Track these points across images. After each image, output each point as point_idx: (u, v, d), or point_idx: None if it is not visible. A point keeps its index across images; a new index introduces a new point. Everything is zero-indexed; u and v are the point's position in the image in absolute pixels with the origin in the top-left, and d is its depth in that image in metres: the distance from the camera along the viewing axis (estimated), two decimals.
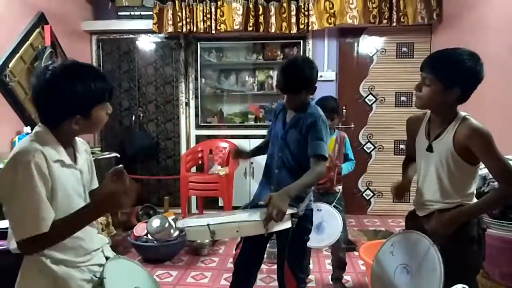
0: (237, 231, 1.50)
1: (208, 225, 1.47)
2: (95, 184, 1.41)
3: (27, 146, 1.14)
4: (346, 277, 2.86)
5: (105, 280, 1.23)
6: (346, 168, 2.73)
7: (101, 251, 1.35)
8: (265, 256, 3.07)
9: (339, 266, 2.74)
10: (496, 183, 2.04)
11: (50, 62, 3.42)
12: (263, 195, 1.84)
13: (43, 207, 1.11)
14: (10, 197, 1.12)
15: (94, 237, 1.33)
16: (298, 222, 1.69)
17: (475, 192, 1.55)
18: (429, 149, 1.56)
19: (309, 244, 2.36)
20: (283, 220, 1.54)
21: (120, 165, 1.33)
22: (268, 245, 2.10)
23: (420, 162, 1.63)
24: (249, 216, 1.61)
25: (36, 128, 1.21)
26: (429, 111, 1.60)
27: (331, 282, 2.79)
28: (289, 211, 1.59)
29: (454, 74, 1.43)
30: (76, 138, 1.32)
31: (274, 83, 4.56)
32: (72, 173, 1.24)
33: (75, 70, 1.22)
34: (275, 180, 1.88)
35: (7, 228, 2.43)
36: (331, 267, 2.86)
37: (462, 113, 1.51)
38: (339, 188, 2.75)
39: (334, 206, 2.58)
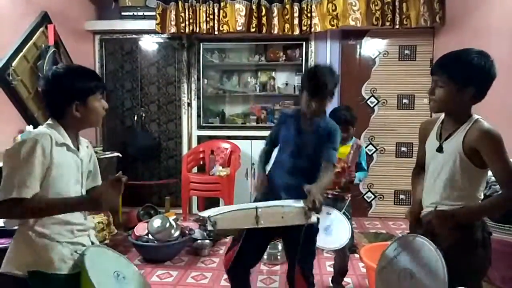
0: (282, 217, 1.55)
1: (256, 208, 1.45)
2: (99, 181, 1.57)
3: (38, 130, 1.35)
4: (347, 279, 2.85)
5: (85, 257, 1.33)
6: (359, 177, 2.71)
7: (88, 235, 1.46)
8: (265, 257, 3.12)
9: (340, 272, 2.74)
10: (498, 186, 2.04)
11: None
12: (271, 195, 1.95)
13: (31, 179, 1.25)
14: (7, 163, 1.27)
15: (80, 217, 1.43)
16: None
17: (481, 197, 1.52)
18: (439, 149, 1.54)
19: (317, 244, 2.37)
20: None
21: (123, 177, 1.37)
22: (268, 246, 2.11)
23: (429, 164, 1.61)
24: (290, 203, 1.64)
25: (47, 121, 1.41)
26: (443, 115, 1.58)
27: (331, 284, 2.79)
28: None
29: (467, 73, 1.43)
30: (81, 137, 1.49)
31: (277, 85, 4.57)
32: (73, 158, 1.40)
33: (74, 68, 1.51)
34: (284, 184, 1.97)
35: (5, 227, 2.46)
36: (331, 269, 2.86)
37: (475, 116, 1.49)
38: (348, 195, 2.75)
39: (343, 213, 2.59)
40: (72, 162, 1.39)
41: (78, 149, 1.44)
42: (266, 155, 2.18)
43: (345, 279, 2.80)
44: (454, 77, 1.44)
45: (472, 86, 1.43)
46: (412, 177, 1.82)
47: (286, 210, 1.55)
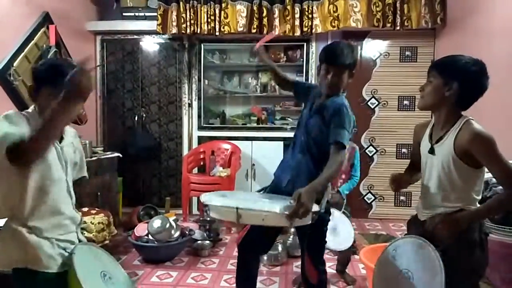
0: (263, 219, 1.51)
1: (237, 208, 1.50)
2: (84, 173, 1.59)
3: (13, 111, 1.32)
4: None
5: (74, 256, 1.32)
6: (346, 188, 2.82)
7: (75, 231, 1.44)
8: (265, 258, 3.12)
9: (345, 263, 2.87)
10: (498, 187, 2.04)
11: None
12: (284, 177, 1.94)
13: (15, 129, 1.22)
14: None
15: (69, 206, 1.42)
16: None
17: (479, 198, 1.52)
18: (431, 151, 1.56)
19: (328, 246, 2.41)
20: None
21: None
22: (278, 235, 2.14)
23: (424, 166, 1.62)
24: (275, 206, 1.58)
25: (26, 110, 1.38)
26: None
27: (331, 286, 2.80)
28: (313, 209, 1.60)
29: (453, 68, 1.48)
30: (68, 128, 1.49)
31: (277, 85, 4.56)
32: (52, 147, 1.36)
33: (66, 60, 1.52)
34: (296, 164, 1.91)
35: None
36: (331, 271, 2.89)
37: (465, 117, 1.50)
38: (344, 195, 2.87)
39: (343, 212, 2.70)
40: (53, 152, 1.36)
41: (61, 137, 1.42)
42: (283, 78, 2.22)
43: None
44: (442, 71, 1.49)
45: (457, 82, 1.46)
46: (404, 173, 1.84)
47: (266, 214, 1.53)
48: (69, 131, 1.51)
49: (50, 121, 1.16)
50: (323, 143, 1.80)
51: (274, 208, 1.55)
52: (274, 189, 2.01)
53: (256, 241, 1.99)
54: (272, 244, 2.13)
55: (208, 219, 4.09)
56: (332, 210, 2.54)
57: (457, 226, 1.46)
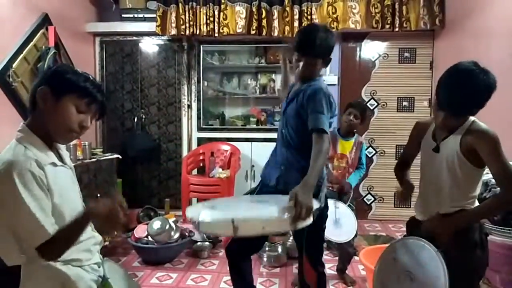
0: (263, 228, 1.38)
1: (232, 220, 1.34)
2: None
3: (19, 156, 1.12)
4: None
5: (110, 280, 1.28)
6: (355, 180, 2.80)
7: (98, 251, 1.37)
8: (265, 259, 3.12)
9: (347, 258, 2.86)
10: (498, 189, 2.04)
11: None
12: (272, 175, 1.86)
13: (44, 214, 1.11)
14: (13, 210, 1.07)
15: (90, 234, 1.34)
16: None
17: (477, 196, 1.54)
18: (436, 149, 1.56)
19: (327, 236, 2.41)
20: None
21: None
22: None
23: (425, 164, 1.62)
24: (273, 211, 1.47)
25: (18, 134, 1.20)
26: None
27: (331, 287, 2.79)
28: (315, 206, 1.53)
29: (465, 106, 1.43)
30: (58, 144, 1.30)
31: (276, 87, 4.57)
32: (65, 171, 1.25)
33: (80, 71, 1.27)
34: (282, 159, 1.82)
35: None
36: (331, 272, 2.88)
37: (471, 117, 1.51)
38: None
39: (349, 205, 2.71)
40: (65, 176, 1.25)
41: (60, 156, 1.26)
42: None
43: None
44: (455, 113, 1.45)
45: (476, 109, 1.44)
46: (395, 171, 1.84)
47: (267, 221, 1.39)
48: (61, 146, 1.33)
49: (75, 233, 1.14)
50: (302, 131, 1.70)
51: (273, 213, 1.45)
52: (263, 189, 1.91)
53: (245, 245, 1.88)
54: (263, 243, 2.00)
55: None
56: (337, 203, 2.62)
57: (455, 227, 1.47)
